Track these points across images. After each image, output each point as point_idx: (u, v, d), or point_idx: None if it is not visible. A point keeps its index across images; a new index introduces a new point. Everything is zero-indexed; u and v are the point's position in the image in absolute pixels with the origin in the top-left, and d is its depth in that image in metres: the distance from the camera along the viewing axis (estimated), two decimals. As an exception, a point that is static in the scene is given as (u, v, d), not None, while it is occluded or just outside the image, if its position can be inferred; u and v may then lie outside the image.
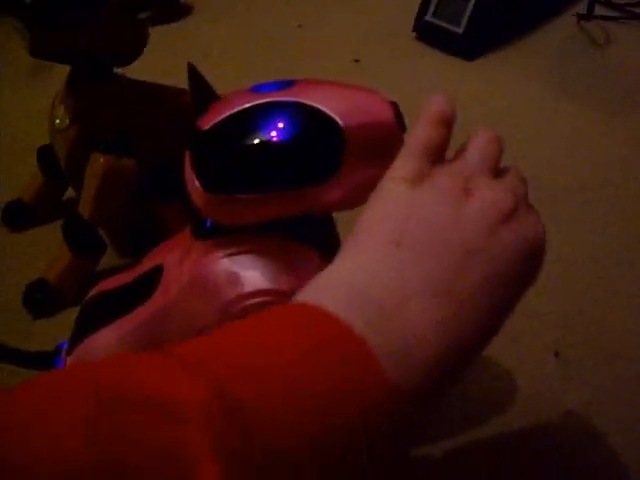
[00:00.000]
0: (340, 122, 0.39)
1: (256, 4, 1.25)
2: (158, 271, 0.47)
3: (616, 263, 0.65)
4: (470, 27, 0.97)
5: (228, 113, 0.41)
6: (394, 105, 0.41)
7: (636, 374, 0.55)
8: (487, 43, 1.00)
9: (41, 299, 0.65)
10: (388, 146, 0.40)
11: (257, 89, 0.42)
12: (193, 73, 0.45)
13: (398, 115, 0.41)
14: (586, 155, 0.79)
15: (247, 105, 0.40)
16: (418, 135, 0.38)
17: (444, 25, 1.00)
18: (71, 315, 0.53)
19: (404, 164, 0.36)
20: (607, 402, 0.54)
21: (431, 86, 0.93)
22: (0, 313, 0.64)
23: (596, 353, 0.57)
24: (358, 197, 0.41)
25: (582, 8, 1.05)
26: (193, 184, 0.42)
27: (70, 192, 0.75)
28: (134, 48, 0.63)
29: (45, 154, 0.72)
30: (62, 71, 0.65)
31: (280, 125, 0.39)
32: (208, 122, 0.41)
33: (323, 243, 0.44)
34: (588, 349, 0.57)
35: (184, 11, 1.23)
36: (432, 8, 1.01)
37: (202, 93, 0.44)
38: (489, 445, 0.52)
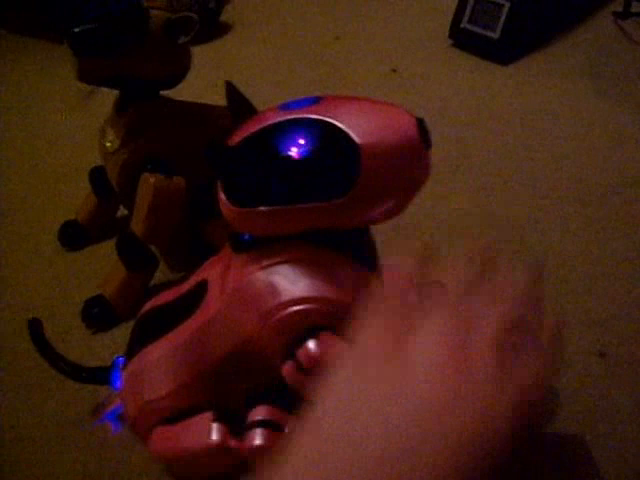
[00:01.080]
0: (356, 138, 0.40)
1: (293, 18, 1.28)
2: (203, 286, 0.50)
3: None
4: (505, 32, 0.98)
5: (253, 130, 0.43)
6: (419, 121, 0.42)
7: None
8: (522, 47, 1.01)
9: (99, 314, 0.67)
10: (410, 162, 0.41)
11: (285, 106, 0.43)
12: (231, 90, 0.46)
13: (422, 131, 0.41)
14: (626, 154, 0.79)
15: (270, 122, 0.42)
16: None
17: (480, 31, 1.01)
18: (127, 330, 0.56)
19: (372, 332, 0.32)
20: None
21: (468, 92, 0.94)
22: (61, 329, 0.67)
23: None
24: (376, 214, 0.42)
25: (619, 5, 1.05)
26: (222, 199, 0.44)
27: (122, 211, 0.78)
28: (178, 71, 0.66)
29: (97, 175, 0.75)
30: (111, 95, 0.68)
31: (300, 141, 0.41)
32: (236, 139, 0.43)
33: (356, 251, 0.45)
34: (633, 348, 0.58)
35: (223, 29, 1.26)
36: (467, 15, 1.02)
37: (241, 110, 0.46)
38: (535, 446, 0.53)
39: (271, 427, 0.46)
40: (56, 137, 1.01)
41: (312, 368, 0.42)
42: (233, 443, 0.46)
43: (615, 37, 1.02)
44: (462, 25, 1.03)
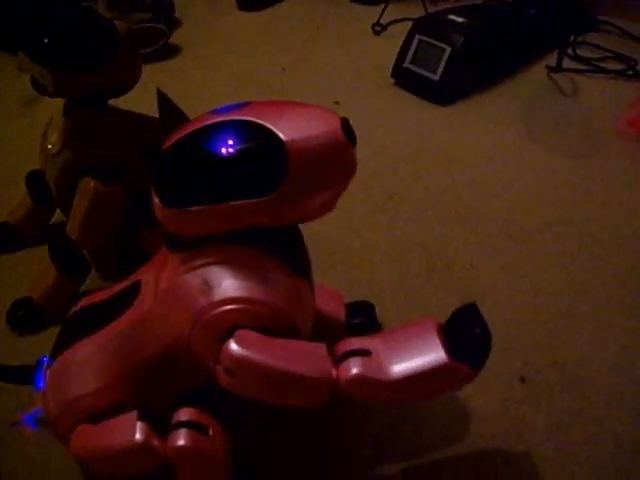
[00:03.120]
0: (282, 136, 0.41)
1: (242, 48, 1.30)
2: (136, 286, 0.50)
3: (581, 294, 0.69)
4: (446, 74, 1.02)
5: (184, 133, 0.44)
6: (343, 120, 0.43)
7: (600, 398, 0.58)
8: (461, 90, 1.05)
9: (25, 316, 0.66)
10: (337, 159, 0.42)
11: (217, 111, 0.44)
12: (162, 98, 0.48)
13: (347, 129, 0.42)
14: (556, 195, 0.83)
15: (201, 125, 0.43)
16: None
17: (421, 72, 1.05)
18: (55, 332, 0.55)
19: None
20: (572, 425, 0.56)
21: (407, 129, 0.98)
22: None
23: (561, 378, 0.60)
24: (307, 210, 0.43)
25: (552, 60, 1.11)
26: (155, 202, 0.45)
27: (56, 217, 0.78)
28: (130, 81, 0.67)
29: (34, 179, 0.74)
30: (52, 101, 0.68)
31: (228, 141, 0.41)
32: (169, 143, 0.44)
33: (289, 255, 0.46)
34: (553, 374, 0.60)
35: (172, 51, 1.27)
36: (410, 56, 1.06)
37: (171, 116, 0.47)
38: (453, 467, 0.54)
39: (196, 428, 0.46)
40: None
41: (236, 369, 0.42)
42: (157, 443, 0.46)
43: (547, 88, 1.07)
44: (405, 65, 1.07)
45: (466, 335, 0.45)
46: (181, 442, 0.45)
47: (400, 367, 0.44)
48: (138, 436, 0.46)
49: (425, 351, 0.44)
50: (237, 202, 0.42)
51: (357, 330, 0.62)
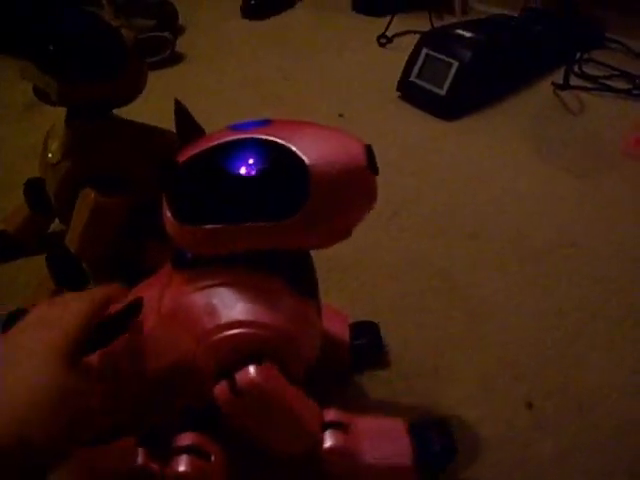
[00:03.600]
0: (305, 159, 0.40)
1: (245, 56, 1.29)
2: (138, 304, 0.48)
3: (590, 316, 0.67)
4: (452, 90, 1.01)
5: (202, 148, 0.42)
6: (366, 147, 0.42)
7: (607, 423, 0.57)
8: (467, 106, 1.04)
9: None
10: (358, 186, 0.41)
11: (236, 127, 0.43)
12: (179, 109, 0.46)
13: (370, 156, 0.42)
14: (564, 215, 0.82)
15: (220, 141, 0.42)
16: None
17: (427, 87, 1.04)
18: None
19: None
20: (579, 451, 0.55)
21: (412, 144, 0.97)
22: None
23: (568, 403, 0.58)
24: (325, 236, 0.42)
25: (559, 77, 1.10)
26: (166, 214, 0.43)
27: (54, 226, 0.76)
28: (134, 91, 0.65)
29: (33, 187, 0.73)
30: (53, 108, 0.66)
31: (249, 161, 0.40)
32: (184, 156, 0.43)
33: (297, 278, 0.45)
34: (560, 400, 0.59)
35: (176, 59, 1.26)
36: (416, 70, 1.05)
37: (187, 128, 0.46)
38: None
39: (197, 454, 0.45)
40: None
41: (247, 392, 0.42)
42: (156, 467, 0.45)
43: (554, 106, 1.07)
44: (411, 79, 1.06)
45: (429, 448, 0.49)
46: (182, 468, 0.44)
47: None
48: (138, 460, 0.45)
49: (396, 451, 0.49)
50: (256, 224, 0.41)
51: (361, 351, 0.61)
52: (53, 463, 0.37)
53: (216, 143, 0.42)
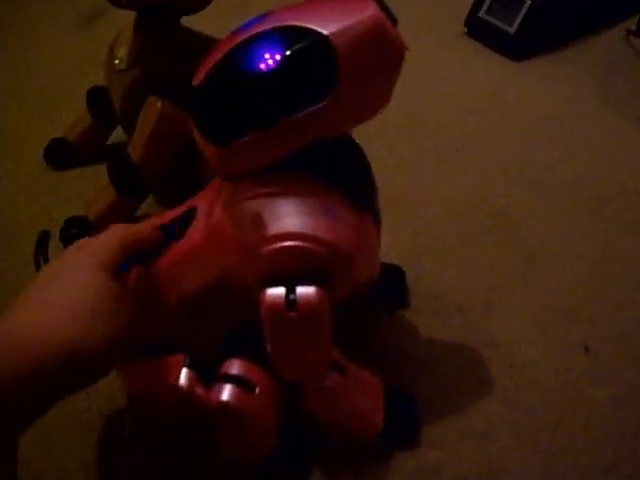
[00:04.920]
0: (323, 31, 0.37)
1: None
2: (192, 212, 0.47)
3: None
4: (522, 28, 0.97)
5: (214, 62, 0.39)
6: (378, 1, 0.38)
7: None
8: (536, 46, 1.00)
9: (77, 235, 0.65)
10: (384, 42, 0.38)
11: (238, 30, 0.40)
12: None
13: (385, 9, 0.38)
14: (625, 163, 0.79)
15: (230, 47, 0.39)
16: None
17: (496, 23, 1.00)
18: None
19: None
20: (636, 398, 0.54)
21: (477, 82, 0.94)
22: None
23: (626, 351, 0.57)
24: (366, 105, 0.40)
25: (633, 24, 1.06)
26: (202, 143, 0.41)
27: (114, 137, 0.76)
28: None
29: (95, 95, 0.72)
30: (117, 18, 0.65)
31: (268, 53, 0.37)
32: (201, 75, 0.40)
33: (352, 184, 0.43)
34: (618, 346, 0.58)
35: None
36: (486, 5, 1.01)
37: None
38: (512, 431, 0.53)
39: (242, 385, 0.45)
40: (55, 58, 0.97)
41: (302, 310, 0.39)
42: (200, 392, 0.45)
43: (625, 52, 1.02)
44: (479, 14, 1.02)
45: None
46: (224, 397, 0.44)
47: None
48: (182, 382, 0.45)
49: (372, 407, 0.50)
50: (292, 117, 0.38)
51: (385, 292, 0.61)
52: (101, 371, 0.38)
53: (227, 51, 0.39)
